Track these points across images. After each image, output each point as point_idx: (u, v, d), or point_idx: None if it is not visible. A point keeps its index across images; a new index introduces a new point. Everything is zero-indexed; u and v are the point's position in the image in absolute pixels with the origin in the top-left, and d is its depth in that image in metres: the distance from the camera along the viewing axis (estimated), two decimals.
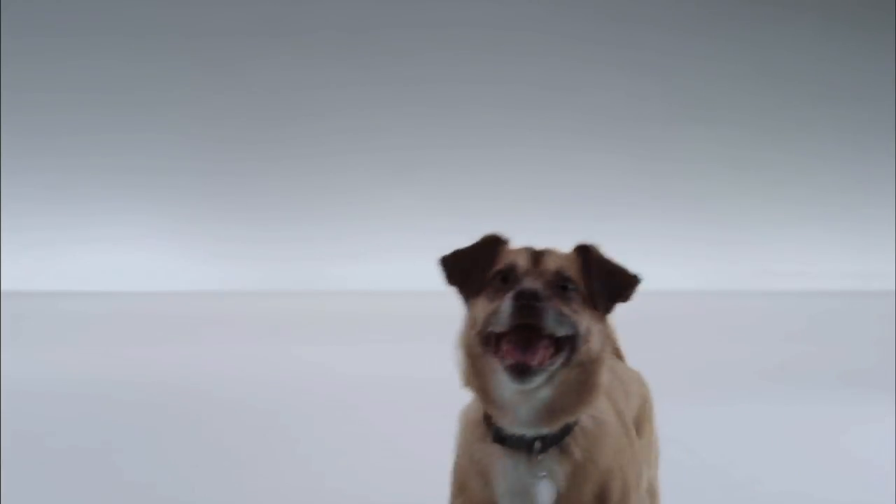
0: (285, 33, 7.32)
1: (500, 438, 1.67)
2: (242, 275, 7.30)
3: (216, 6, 7.27)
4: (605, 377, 1.69)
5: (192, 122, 7.37)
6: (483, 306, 1.66)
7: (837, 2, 7.65)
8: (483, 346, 1.64)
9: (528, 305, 1.54)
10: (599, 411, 1.72)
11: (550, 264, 1.68)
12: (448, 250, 1.83)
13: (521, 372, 1.55)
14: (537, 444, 1.64)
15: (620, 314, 1.85)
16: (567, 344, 1.60)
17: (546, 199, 7.27)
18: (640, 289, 1.76)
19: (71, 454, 3.90)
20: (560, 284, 1.65)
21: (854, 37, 7.66)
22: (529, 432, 1.64)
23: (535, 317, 1.55)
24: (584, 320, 1.63)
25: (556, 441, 1.66)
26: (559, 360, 1.60)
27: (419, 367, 5.81)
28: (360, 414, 4.74)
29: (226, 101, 7.37)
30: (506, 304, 1.56)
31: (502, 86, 7.42)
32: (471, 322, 1.69)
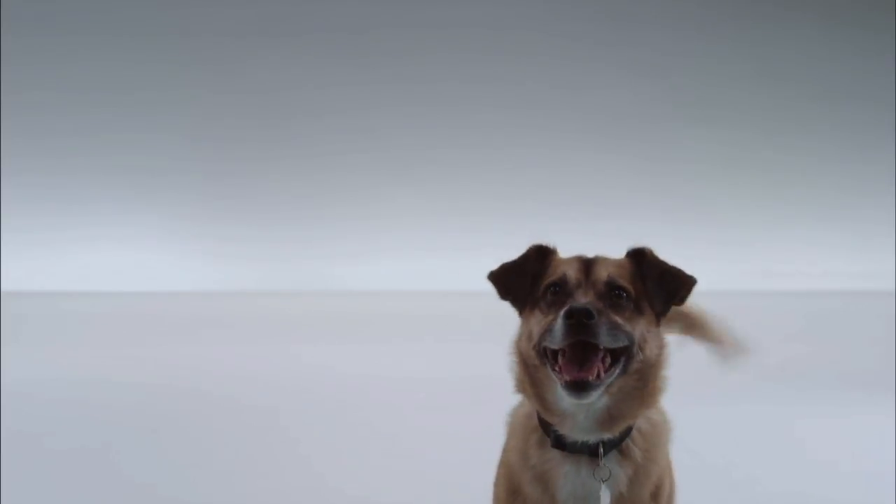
0: (285, 33, 7.32)
1: (561, 444, 1.67)
2: (242, 275, 7.30)
3: (216, 6, 7.27)
4: (662, 381, 1.70)
5: (193, 122, 7.37)
6: (538, 320, 1.67)
7: (837, 2, 7.64)
8: (540, 358, 1.64)
9: (580, 323, 1.54)
10: (657, 413, 1.75)
11: (602, 274, 1.68)
12: (495, 265, 1.82)
13: (579, 388, 1.56)
14: (601, 450, 1.64)
15: None
16: (623, 354, 1.61)
17: (546, 198, 7.27)
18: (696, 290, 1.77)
19: (71, 454, 3.90)
20: (612, 293, 1.65)
21: (854, 37, 7.65)
22: (591, 438, 1.65)
23: (588, 334, 1.55)
24: (639, 328, 1.64)
25: (615, 444, 1.67)
26: (616, 371, 1.60)
27: (419, 367, 5.82)
28: (360, 414, 4.74)
29: (226, 101, 7.36)
30: (558, 323, 1.56)
31: (502, 86, 7.41)
32: (527, 335, 1.69)
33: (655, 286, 1.70)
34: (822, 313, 6.89)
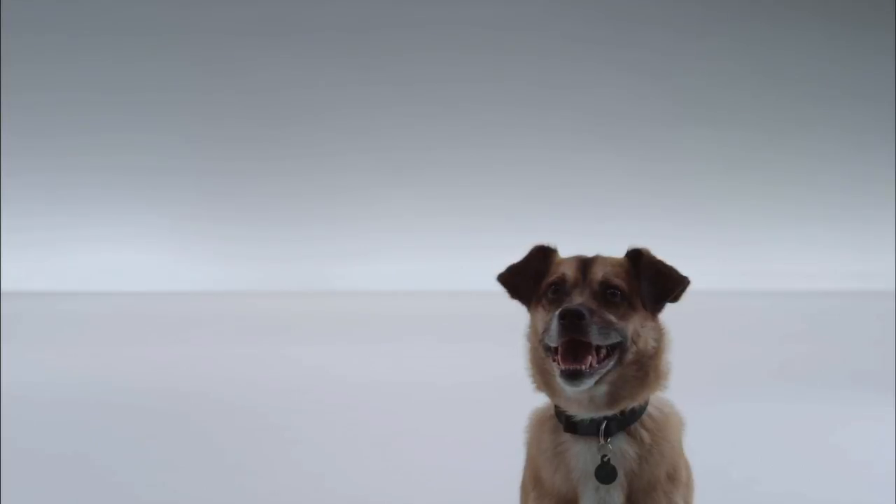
0: (285, 33, 7.32)
1: (572, 426, 1.80)
2: (242, 275, 7.30)
3: (216, 6, 7.27)
4: (665, 366, 1.84)
5: (192, 122, 7.37)
6: (541, 317, 1.82)
7: (837, 2, 7.64)
8: (545, 351, 1.79)
9: (572, 323, 1.68)
10: (667, 406, 1.89)
11: (597, 274, 1.81)
12: (498, 266, 1.94)
13: (573, 376, 1.70)
14: (603, 427, 1.77)
15: None
16: (616, 348, 1.75)
17: (546, 199, 7.27)
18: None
19: (70, 455, 3.90)
20: (607, 292, 1.78)
21: (854, 37, 7.66)
22: (597, 415, 1.78)
23: (580, 333, 1.69)
24: (632, 324, 1.78)
25: (624, 425, 1.80)
26: (611, 363, 1.74)
27: (419, 368, 5.82)
28: (359, 414, 4.74)
29: (226, 101, 7.37)
30: (553, 323, 1.71)
31: (502, 86, 7.42)
32: (534, 329, 1.85)
33: (649, 285, 1.83)
34: (822, 313, 6.88)
